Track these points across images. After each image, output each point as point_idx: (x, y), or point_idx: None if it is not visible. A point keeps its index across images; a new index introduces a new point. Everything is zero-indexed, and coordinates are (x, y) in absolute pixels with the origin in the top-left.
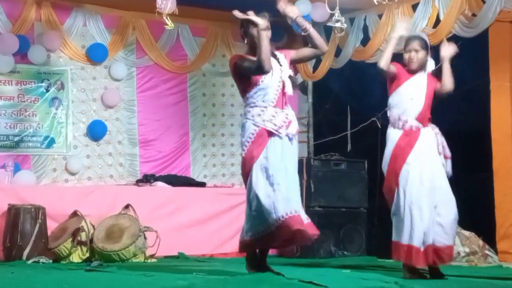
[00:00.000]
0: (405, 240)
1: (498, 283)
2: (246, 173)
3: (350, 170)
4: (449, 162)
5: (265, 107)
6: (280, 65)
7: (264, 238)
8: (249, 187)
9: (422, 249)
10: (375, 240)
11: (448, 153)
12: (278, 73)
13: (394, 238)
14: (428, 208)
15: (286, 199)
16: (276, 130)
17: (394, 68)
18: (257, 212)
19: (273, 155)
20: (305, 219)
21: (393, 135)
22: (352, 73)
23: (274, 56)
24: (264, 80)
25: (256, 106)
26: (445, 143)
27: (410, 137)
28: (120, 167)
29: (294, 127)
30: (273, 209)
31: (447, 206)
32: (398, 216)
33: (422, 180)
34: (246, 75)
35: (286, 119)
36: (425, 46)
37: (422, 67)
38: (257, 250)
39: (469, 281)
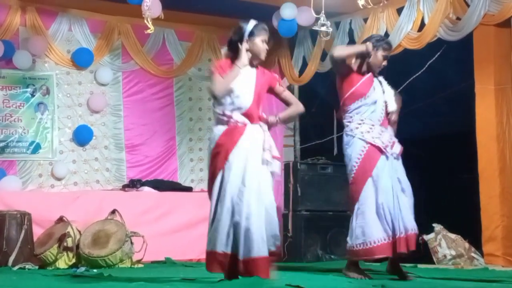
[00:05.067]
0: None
1: (484, 286)
2: (358, 189)
3: (337, 173)
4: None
5: (373, 125)
6: (380, 84)
7: (360, 251)
8: (360, 200)
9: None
10: None
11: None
12: (381, 90)
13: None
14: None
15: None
16: (384, 148)
17: None
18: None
19: (382, 174)
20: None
21: (216, 131)
22: None
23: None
24: (371, 95)
25: (364, 123)
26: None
27: (234, 132)
28: (107, 172)
29: (398, 147)
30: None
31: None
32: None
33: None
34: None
35: (390, 139)
36: None
37: None
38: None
39: (455, 283)
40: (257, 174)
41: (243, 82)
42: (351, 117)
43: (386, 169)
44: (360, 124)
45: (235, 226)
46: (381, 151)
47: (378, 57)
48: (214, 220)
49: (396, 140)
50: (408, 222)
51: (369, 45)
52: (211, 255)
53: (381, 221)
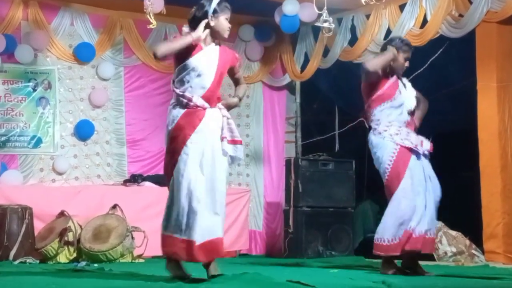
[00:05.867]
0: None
1: (484, 283)
2: (392, 191)
3: (338, 170)
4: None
5: (400, 127)
6: (404, 86)
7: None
8: (393, 200)
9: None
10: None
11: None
12: (406, 93)
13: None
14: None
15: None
16: (415, 147)
17: None
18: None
19: (415, 174)
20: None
21: (175, 113)
22: (339, 73)
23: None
24: (397, 98)
25: (392, 125)
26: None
27: (193, 117)
28: (108, 167)
29: (427, 144)
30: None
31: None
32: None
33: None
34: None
35: (418, 138)
36: None
37: None
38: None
39: (455, 280)
40: (214, 161)
41: (206, 60)
42: (378, 119)
43: (418, 168)
44: (388, 126)
45: (191, 212)
46: (411, 150)
47: (400, 60)
48: (171, 205)
49: (423, 138)
50: (431, 225)
51: (394, 50)
52: (169, 240)
53: (404, 221)
